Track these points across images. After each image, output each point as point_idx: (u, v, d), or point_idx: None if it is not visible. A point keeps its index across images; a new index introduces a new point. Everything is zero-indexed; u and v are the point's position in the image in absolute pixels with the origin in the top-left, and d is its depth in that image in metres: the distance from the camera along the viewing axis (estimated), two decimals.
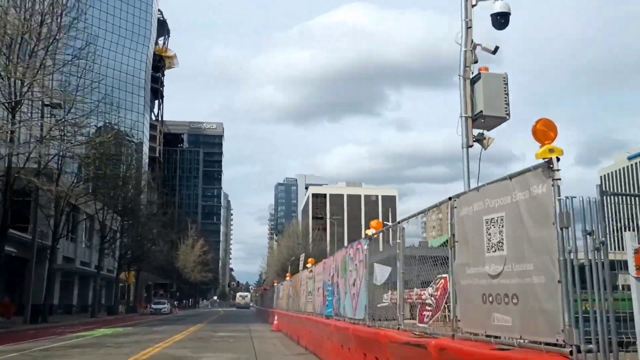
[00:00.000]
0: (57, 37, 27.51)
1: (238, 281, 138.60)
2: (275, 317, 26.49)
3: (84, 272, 43.63)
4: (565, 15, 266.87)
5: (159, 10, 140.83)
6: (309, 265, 19.10)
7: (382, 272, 9.16)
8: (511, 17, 8.37)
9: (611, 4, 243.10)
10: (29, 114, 28.57)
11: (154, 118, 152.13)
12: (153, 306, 53.50)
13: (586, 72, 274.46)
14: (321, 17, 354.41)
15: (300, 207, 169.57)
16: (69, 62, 28.70)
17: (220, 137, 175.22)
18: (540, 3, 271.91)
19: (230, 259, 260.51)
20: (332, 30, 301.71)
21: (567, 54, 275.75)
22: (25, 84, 25.72)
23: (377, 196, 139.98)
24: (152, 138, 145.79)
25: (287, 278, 26.79)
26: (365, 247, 10.02)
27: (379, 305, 9.15)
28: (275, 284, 36.28)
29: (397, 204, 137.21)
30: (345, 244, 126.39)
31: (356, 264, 10.82)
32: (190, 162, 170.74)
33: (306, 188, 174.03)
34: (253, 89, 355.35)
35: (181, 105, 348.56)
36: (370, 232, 10.19)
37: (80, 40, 30.46)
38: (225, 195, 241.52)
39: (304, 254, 26.31)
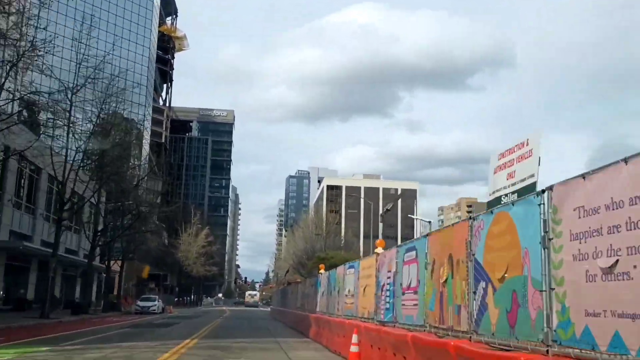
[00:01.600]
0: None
1: (245, 277, 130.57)
2: (333, 330, 16.03)
3: (43, 255, 33.02)
4: (580, 19, 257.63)
5: None
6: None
7: None
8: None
9: (627, 7, 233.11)
10: None
11: (161, 102, 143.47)
12: (139, 304, 43.01)
13: (601, 76, 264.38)
14: (332, 15, 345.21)
15: (313, 201, 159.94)
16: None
17: (231, 125, 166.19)
18: (554, 8, 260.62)
19: (236, 255, 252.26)
20: (342, 29, 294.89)
21: (581, 59, 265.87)
22: None
23: (396, 189, 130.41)
24: (158, 123, 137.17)
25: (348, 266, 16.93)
26: None
27: None
28: (298, 280, 27.11)
29: (417, 198, 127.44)
30: (361, 239, 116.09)
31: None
32: (198, 150, 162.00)
33: (319, 182, 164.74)
34: (263, 87, 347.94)
35: (191, 95, 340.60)
36: None
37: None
38: (233, 188, 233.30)
39: None
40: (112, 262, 44.00)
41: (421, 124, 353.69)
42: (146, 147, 77.63)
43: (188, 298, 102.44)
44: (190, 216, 77.13)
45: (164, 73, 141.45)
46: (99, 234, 35.66)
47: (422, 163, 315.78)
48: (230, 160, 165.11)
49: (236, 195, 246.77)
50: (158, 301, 43.70)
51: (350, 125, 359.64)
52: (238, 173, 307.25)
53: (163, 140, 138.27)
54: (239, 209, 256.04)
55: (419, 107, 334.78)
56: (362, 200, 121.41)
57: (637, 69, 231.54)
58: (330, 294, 18.19)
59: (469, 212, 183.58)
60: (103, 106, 34.20)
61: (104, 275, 44.73)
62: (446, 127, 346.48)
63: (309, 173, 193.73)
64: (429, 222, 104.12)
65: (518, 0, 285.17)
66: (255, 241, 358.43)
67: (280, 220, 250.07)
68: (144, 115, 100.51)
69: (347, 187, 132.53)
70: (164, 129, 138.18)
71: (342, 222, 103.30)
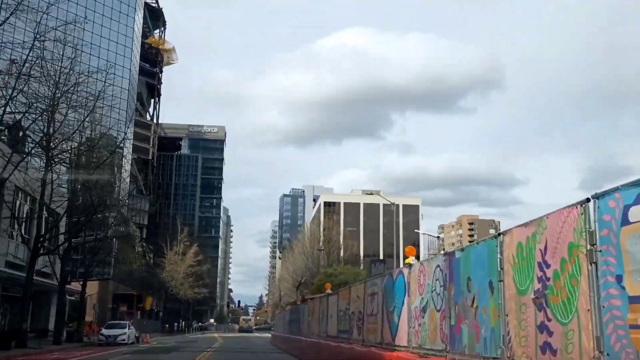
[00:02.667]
0: None
1: (239, 301, 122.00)
2: None
3: None
4: (568, 39, 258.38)
5: None
6: None
7: None
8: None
9: (613, 26, 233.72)
10: None
11: (148, 118, 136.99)
12: (103, 332, 34.26)
13: (590, 96, 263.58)
14: (322, 40, 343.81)
15: (309, 220, 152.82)
16: None
17: (222, 142, 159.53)
18: (543, 27, 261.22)
19: (229, 278, 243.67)
20: (333, 53, 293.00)
21: (569, 78, 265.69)
22: None
23: (397, 205, 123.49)
24: (145, 139, 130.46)
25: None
26: None
27: None
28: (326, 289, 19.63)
29: (420, 213, 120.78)
30: (362, 257, 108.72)
31: None
32: (187, 168, 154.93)
33: (314, 200, 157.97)
34: (253, 112, 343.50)
35: (181, 115, 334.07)
36: None
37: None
38: (225, 209, 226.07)
39: None
40: (86, 283, 36.93)
41: (413, 146, 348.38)
42: (127, 167, 70.36)
43: (177, 324, 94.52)
44: (177, 233, 69.83)
45: (151, 87, 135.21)
46: (43, 239, 28.33)
47: (415, 185, 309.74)
48: (222, 178, 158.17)
49: (228, 217, 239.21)
50: (129, 328, 35.67)
51: (342, 148, 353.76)
52: (229, 197, 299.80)
53: (150, 157, 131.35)
54: (231, 231, 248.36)
55: (410, 129, 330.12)
56: (361, 217, 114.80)
57: (630, 88, 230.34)
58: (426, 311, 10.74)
59: (470, 229, 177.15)
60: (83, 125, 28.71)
61: (68, 297, 37.24)
62: (438, 148, 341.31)
63: (303, 192, 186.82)
64: (438, 237, 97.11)
65: (506, 20, 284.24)
66: (248, 265, 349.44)
67: (274, 242, 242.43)
68: (125, 133, 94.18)
69: (345, 204, 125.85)
70: (151, 145, 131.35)
71: (341, 240, 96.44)
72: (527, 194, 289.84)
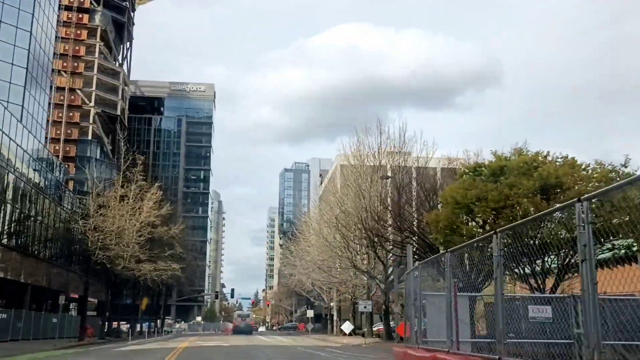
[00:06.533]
0: None
1: (232, 289, 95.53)
2: None
3: None
4: (564, 36, 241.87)
5: None
6: None
7: None
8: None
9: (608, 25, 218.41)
10: None
11: (117, 65, 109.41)
12: None
13: (585, 94, 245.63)
14: (318, 36, 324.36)
15: (317, 194, 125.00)
16: None
17: (211, 102, 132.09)
18: (539, 25, 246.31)
19: (221, 272, 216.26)
20: (329, 49, 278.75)
21: (564, 76, 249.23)
22: None
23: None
24: (113, 90, 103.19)
25: None
26: None
27: None
28: None
29: None
30: None
31: None
32: (169, 134, 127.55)
33: (321, 176, 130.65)
34: (246, 108, 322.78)
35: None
36: None
37: None
38: (216, 194, 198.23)
39: None
40: None
41: (410, 143, 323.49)
42: None
43: (136, 322, 67.19)
44: (123, 163, 41.87)
45: (120, 27, 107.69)
46: None
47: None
48: (210, 146, 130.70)
49: (219, 203, 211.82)
50: None
51: (337, 146, 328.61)
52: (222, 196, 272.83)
53: (119, 113, 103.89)
54: (224, 219, 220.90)
55: (409, 126, 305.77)
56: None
57: (625, 85, 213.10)
58: None
59: None
60: None
61: None
62: (435, 145, 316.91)
63: (308, 165, 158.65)
64: None
65: (503, 17, 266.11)
66: (242, 263, 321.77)
67: (272, 231, 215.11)
68: None
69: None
70: (120, 97, 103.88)
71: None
72: None
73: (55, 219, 40.60)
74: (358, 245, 38.24)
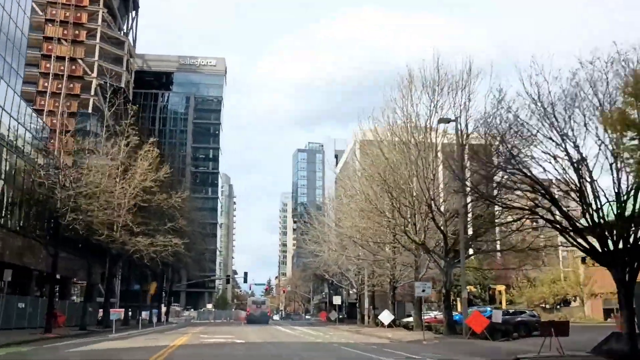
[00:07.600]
0: None
1: (246, 273, 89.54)
2: None
3: None
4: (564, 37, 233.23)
5: None
6: None
7: None
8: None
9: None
10: None
11: (122, 34, 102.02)
12: None
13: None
14: (328, 21, 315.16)
15: (332, 177, 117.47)
16: None
17: (221, 77, 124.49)
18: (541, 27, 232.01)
19: (232, 257, 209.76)
20: (339, 35, 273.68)
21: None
22: None
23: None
24: (117, 60, 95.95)
25: None
26: None
27: None
28: None
29: None
30: None
31: None
32: (176, 110, 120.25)
33: (336, 157, 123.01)
34: (257, 96, 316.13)
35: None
36: None
37: None
38: (227, 178, 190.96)
39: None
40: None
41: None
42: None
43: (152, 310, 60.23)
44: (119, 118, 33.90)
45: None
46: None
47: None
48: (220, 124, 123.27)
49: (230, 187, 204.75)
50: None
51: (349, 133, 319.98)
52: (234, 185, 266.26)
53: (123, 85, 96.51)
54: (234, 203, 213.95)
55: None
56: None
57: None
58: None
59: None
60: None
61: None
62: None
63: (322, 146, 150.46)
64: None
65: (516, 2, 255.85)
66: (253, 252, 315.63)
67: (284, 216, 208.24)
68: None
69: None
70: (124, 67, 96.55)
71: None
72: None
73: (17, 173, 33.08)
74: (409, 210, 30.66)
